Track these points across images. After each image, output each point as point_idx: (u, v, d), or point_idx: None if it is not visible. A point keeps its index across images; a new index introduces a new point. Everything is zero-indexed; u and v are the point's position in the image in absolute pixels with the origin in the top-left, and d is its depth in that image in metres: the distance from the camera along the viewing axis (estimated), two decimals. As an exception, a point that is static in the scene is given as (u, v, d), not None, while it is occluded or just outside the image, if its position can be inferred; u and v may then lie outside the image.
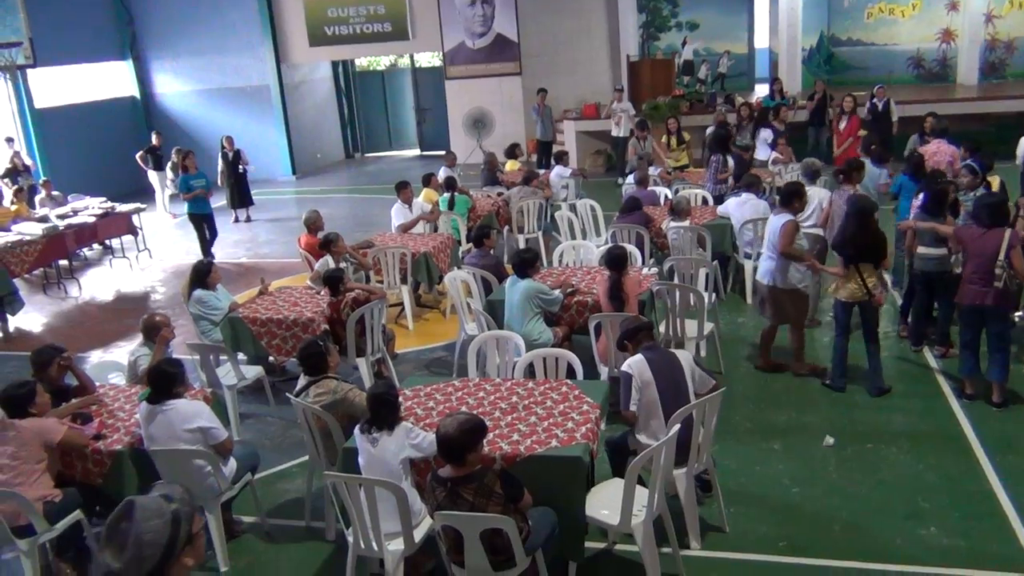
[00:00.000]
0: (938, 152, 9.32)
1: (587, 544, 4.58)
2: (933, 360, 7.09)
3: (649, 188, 10.27)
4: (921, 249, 6.80)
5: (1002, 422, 6.01)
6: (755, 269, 8.56)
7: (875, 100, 13.62)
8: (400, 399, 4.57)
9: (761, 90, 18.30)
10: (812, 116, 14.72)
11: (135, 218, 12.82)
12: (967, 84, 17.56)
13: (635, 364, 4.83)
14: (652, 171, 11.51)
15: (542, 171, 13.05)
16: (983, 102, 15.61)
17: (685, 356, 4.98)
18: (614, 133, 15.66)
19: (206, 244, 12.15)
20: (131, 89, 19.42)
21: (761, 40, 20.59)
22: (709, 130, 14.58)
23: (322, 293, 7.26)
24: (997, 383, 6.19)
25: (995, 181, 7.96)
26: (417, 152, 21.62)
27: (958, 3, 17.93)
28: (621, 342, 5.11)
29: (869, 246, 6.29)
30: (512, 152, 13.19)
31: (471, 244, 8.62)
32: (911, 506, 5.12)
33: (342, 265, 7.92)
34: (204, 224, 12.17)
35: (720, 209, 9.11)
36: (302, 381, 5.15)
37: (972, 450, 5.70)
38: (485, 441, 4.03)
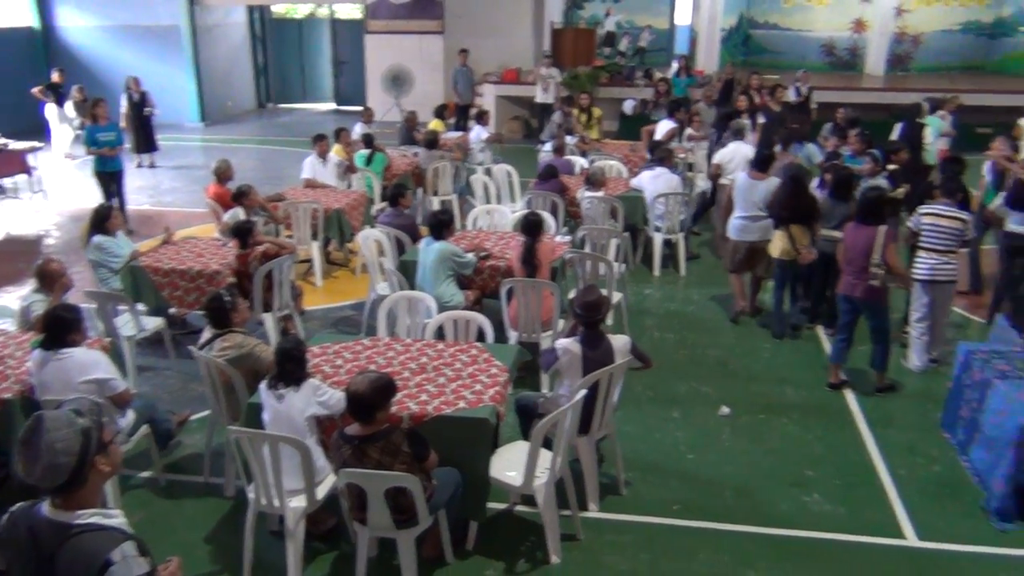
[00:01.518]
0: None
1: (488, 505, 4.65)
2: (825, 337, 7.41)
3: (565, 157, 10.34)
4: (823, 231, 7.07)
5: (884, 399, 6.33)
6: (663, 241, 8.82)
7: (798, 84, 13.97)
8: (308, 356, 4.51)
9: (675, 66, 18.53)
10: (719, 99, 14.85)
11: (30, 157, 12.18)
12: (874, 74, 18.23)
13: (567, 351, 4.72)
14: (569, 140, 11.58)
15: (458, 133, 12.94)
16: (889, 92, 16.22)
17: (622, 345, 4.85)
18: (539, 99, 15.64)
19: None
20: (29, 19, 18.34)
21: (683, 17, 20.83)
22: (627, 103, 14.82)
23: (230, 245, 7.07)
24: (876, 371, 6.42)
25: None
26: (332, 106, 21.18)
27: (871, -6, 18.53)
28: (574, 310, 4.90)
29: (800, 209, 7.01)
30: (440, 113, 12.94)
31: (385, 203, 8.52)
32: (798, 474, 5.38)
33: (253, 218, 7.73)
34: (112, 183, 10.59)
35: (634, 182, 9.26)
36: (207, 334, 5.03)
37: (856, 424, 6.01)
38: (394, 400, 4.03)
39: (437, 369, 4.90)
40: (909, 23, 19.04)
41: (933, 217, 6.52)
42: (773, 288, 7.49)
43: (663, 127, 11.33)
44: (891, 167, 8.27)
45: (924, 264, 6.53)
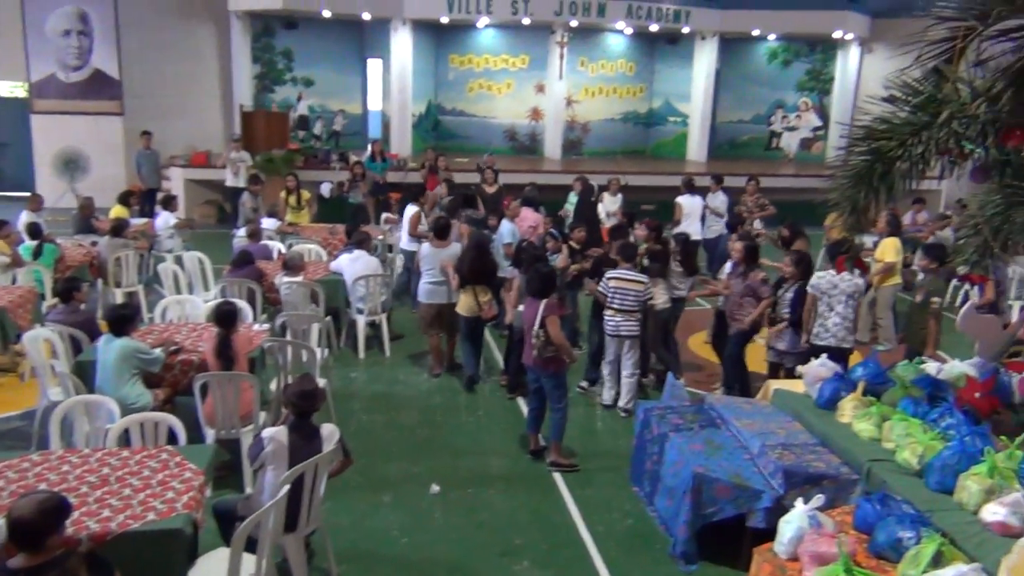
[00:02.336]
0: (525, 219, 10.37)
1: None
2: (526, 407, 7.77)
3: (262, 242, 10.07)
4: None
5: (581, 460, 6.73)
6: (366, 323, 8.83)
7: (484, 166, 14.77)
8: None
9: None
10: (423, 184, 15.39)
11: None
12: (552, 158, 19.86)
13: (273, 439, 4.52)
14: (269, 224, 11.32)
15: (143, 220, 12.14)
16: (565, 174, 17.70)
17: (330, 434, 4.73)
18: (229, 183, 15.15)
19: None
20: None
21: (375, 103, 21.41)
22: (324, 186, 14.84)
23: None
24: (553, 441, 6.60)
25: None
26: (-7, 192, 18.96)
27: (544, 86, 20.25)
28: (288, 399, 4.70)
29: (484, 271, 7.95)
30: (125, 199, 11.97)
31: (56, 299, 7.70)
32: (507, 544, 5.53)
33: None
34: None
35: (333, 265, 9.22)
36: None
37: (557, 487, 6.33)
38: (69, 521, 3.58)
39: (121, 480, 4.46)
40: (579, 112, 21.08)
41: (617, 281, 7.39)
42: (460, 342, 8.28)
43: (409, 211, 11.50)
44: (571, 244, 9.00)
45: (611, 321, 7.43)
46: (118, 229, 9.95)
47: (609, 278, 7.45)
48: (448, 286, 8.23)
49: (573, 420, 6.87)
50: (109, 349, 5.99)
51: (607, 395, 7.79)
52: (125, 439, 5.24)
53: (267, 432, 4.56)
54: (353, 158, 15.99)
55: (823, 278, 7.17)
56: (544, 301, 6.34)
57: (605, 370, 7.78)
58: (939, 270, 7.45)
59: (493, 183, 12.61)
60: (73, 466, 4.61)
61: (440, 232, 8.51)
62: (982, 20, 4.54)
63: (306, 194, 12.83)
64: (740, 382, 7.75)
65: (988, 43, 4.69)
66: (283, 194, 12.44)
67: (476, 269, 7.92)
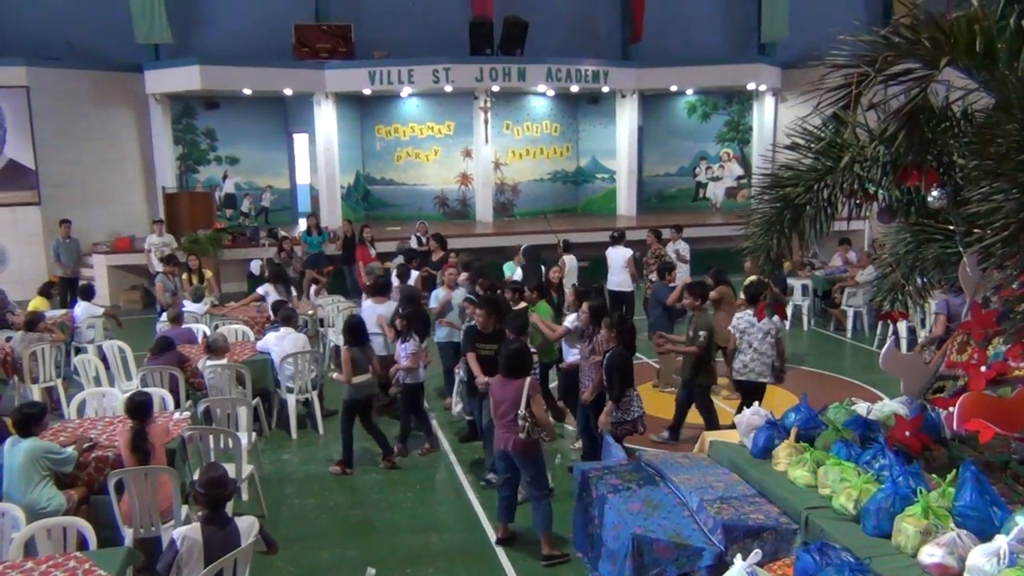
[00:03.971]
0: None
1: None
2: (463, 477, 7.57)
3: (185, 325, 9.78)
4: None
5: (521, 529, 6.55)
6: (297, 402, 8.58)
7: (418, 234, 14.77)
8: None
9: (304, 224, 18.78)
10: (343, 254, 15.32)
11: None
12: (484, 221, 19.91)
13: (186, 538, 4.30)
14: (198, 307, 11.01)
15: (60, 311, 11.73)
16: (497, 237, 17.78)
17: (248, 526, 4.54)
18: (156, 268, 14.80)
19: None
20: None
21: (303, 176, 21.31)
22: (253, 263, 14.66)
23: None
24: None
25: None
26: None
27: (472, 151, 20.42)
28: (195, 490, 4.53)
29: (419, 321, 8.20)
30: (46, 290, 11.60)
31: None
32: (448, 626, 5.31)
33: None
34: None
35: (259, 345, 8.98)
36: None
37: (498, 559, 6.14)
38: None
39: (23, 595, 4.16)
40: (507, 175, 21.26)
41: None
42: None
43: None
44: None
45: None
46: (32, 323, 9.58)
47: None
48: (384, 339, 8.68)
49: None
50: (15, 452, 5.66)
51: None
52: (33, 548, 4.92)
53: (177, 532, 4.32)
54: (282, 233, 15.83)
55: (741, 318, 7.69)
56: (527, 380, 6.00)
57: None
58: (703, 306, 8.08)
59: (439, 250, 12.63)
60: (-30, 584, 4.30)
61: (378, 289, 9.19)
62: (873, 66, 4.65)
63: (208, 273, 12.61)
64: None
65: (881, 87, 4.81)
66: (184, 276, 12.19)
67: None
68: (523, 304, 8.58)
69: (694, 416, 8.04)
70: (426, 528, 6.67)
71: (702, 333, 7.75)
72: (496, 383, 6.20)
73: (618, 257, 12.34)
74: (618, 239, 12.58)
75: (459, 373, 8.00)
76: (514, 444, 6.01)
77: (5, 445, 5.83)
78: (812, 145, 5.34)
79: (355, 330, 7.85)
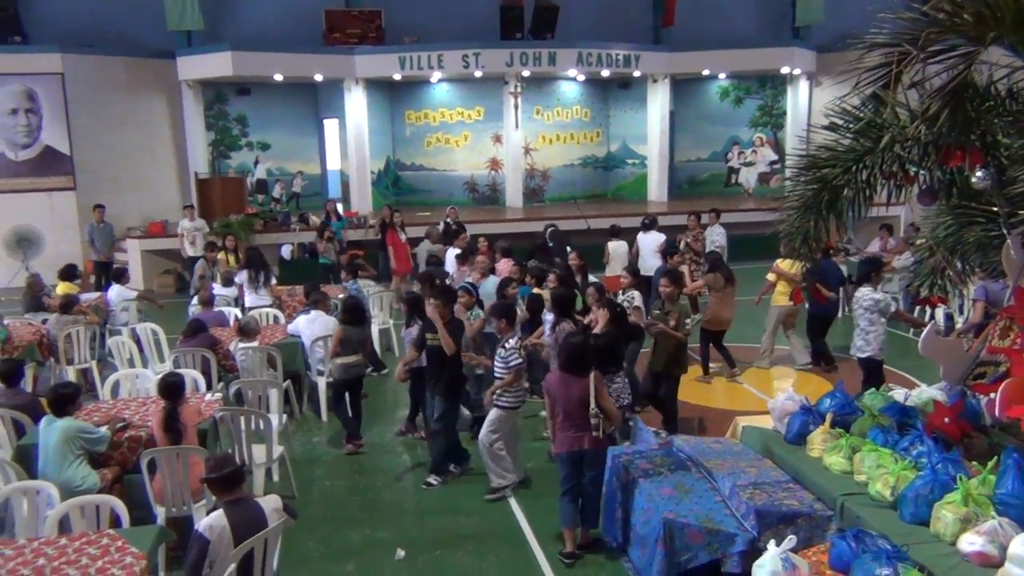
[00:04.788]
0: (505, 270, 10.29)
1: None
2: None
3: (217, 308, 9.85)
4: None
5: (551, 513, 6.48)
6: (328, 385, 8.60)
7: (448, 220, 14.73)
8: None
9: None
10: (382, 240, 15.26)
11: None
12: (514, 207, 19.84)
13: (215, 531, 4.25)
14: (225, 291, 11.07)
15: (95, 295, 11.88)
16: (526, 222, 17.70)
17: (273, 505, 4.54)
18: (188, 253, 14.97)
19: None
20: None
21: (333, 162, 21.37)
22: (284, 248, 14.74)
23: None
24: (583, 528, 5.96)
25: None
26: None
27: (501, 136, 20.34)
28: (207, 477, 4.52)
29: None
30: (67, 274, 11.76)
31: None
32: (477, 608, 5.30)
33: None
34: None
35: (290, 328, 9.03)
36: None
37: (527, 542, 6.12)
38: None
39: (57, 570, 4.21)
40: (537, 160, 21.14)
41: None
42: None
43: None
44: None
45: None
46: (67, 306, 9.69)
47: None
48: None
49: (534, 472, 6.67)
50: (50, 431, 5.73)
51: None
52: (67, 525, 4.98)
53: (203, 524, 4.27)
54: (313, 219, 15.87)
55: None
56: (592, 375, 5.66)
57: None
58: (678, 292, 7.99)
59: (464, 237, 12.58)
60: (6, 559, 4.35)
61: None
62: (914, 44, 4.52)
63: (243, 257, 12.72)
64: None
65: (921, 66, 4.68)
66: (222, 255, 12.34)
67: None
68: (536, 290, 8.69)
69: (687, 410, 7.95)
70: (455, 511, 6.65)
71: (688, 320, 7.63)
72: (554, 381, 5.79)
73: (650, 242, 12.28)
74: (650, 225, 12.58)
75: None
76: (590, 443, 5.66)
77: (40, 424, 5.90)
78: (851, 125, 5.23)
79: (352, 311, 7.90)
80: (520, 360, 6.86)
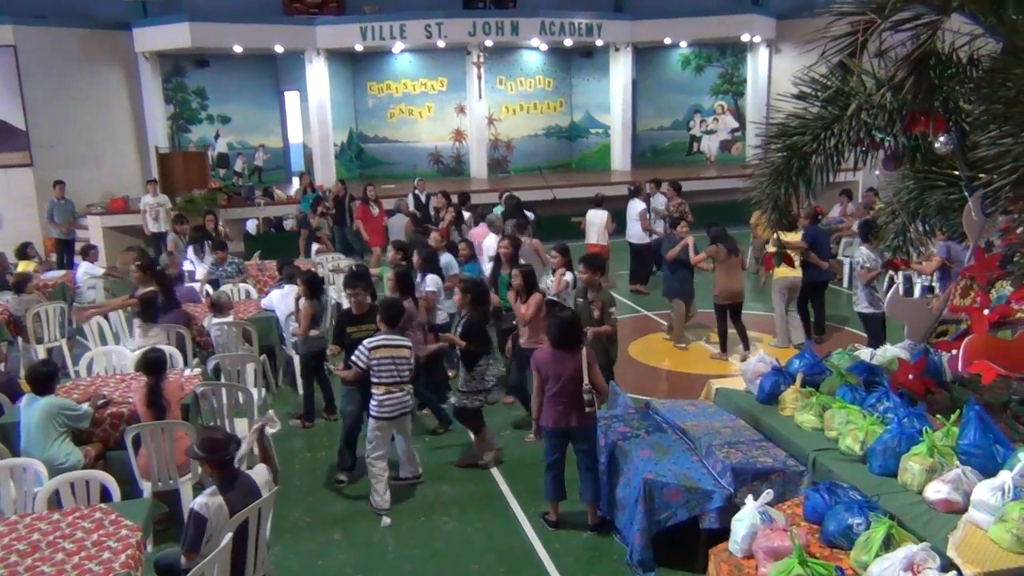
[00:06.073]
0: (480, 235, 10.39)
1: None
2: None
3: (187, 285, 9.82)
4: None
5: (532, 477, 6.65)
6: (301, 359, 8.62)
7: (416, 192, 14.68)
8: None
9: (298, 182, 18.71)
10: (336, 214, 15.17)
11: None
12: (479, 177, 19.84)
13: (212, 507, 4.25)
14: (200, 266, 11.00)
15: (61, 272, 11.75)
16: (492, 193, 17.68)
17: (264, 477, 4.63)
18: (151, 229, 14.81)
19: None
20: None
21: (295, 135, 21.16)
22: (250, 223, 14.61)
23: None
24: (590, 503, 5.88)
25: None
26: None
27: (465, 107, 20.28)
28: (195, 453, 4.53)
29: None
30: (24, 252, 11.66)
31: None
32: (465, 570, 5.44)
33: None
34: None
35: (264, 302, 9.04)
36: None
37: (511, 508, 6.27)
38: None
39: (53, 544, 4.26)
40: (501, 131, 21.13)
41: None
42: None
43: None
44: None
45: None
46: (20, 285, 9.57)
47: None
48: None
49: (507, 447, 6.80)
50: (32, 409, 5.73)
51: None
52: (56, 501, 5.01)
53: (198, 503, 4.29)
54: (278, 192, 15.74)
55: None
56: (583, 350, 5.66)
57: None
58: (597, 279, 7.29)
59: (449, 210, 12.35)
60: (0, 535, 4.38)
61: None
62: (879, 13, 4.67)
63: (225, 229, 12.64)
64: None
65: (887, 34, 4.83)
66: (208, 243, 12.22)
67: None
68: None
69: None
70: (437, 478, 6.78)
71: (612, 310, 7.19)
72: (546, 358, 5.71)
73: (633, 211, 12.59)
74: (635, 192, 12.82)
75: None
76: (578, 419, 5.63)
77: (21, 403, 5.90)
78: (819, 94, 5.38)
79: (313, 283, 7.79)
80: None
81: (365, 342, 6.15)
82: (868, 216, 8.58)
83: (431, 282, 8.20)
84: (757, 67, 21.04)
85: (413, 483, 6.61)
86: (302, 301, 7.80)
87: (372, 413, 6.16)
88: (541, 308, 7.16)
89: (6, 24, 16.18)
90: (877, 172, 5.80)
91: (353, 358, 6.16)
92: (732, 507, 4.83)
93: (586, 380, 5.55)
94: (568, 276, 8.12)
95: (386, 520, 6.06)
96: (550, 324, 5.86)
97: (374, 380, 6.10)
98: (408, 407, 6.31)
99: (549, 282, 8.47)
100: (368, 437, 6.24)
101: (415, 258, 8.52)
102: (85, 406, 5.98)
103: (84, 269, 10.92)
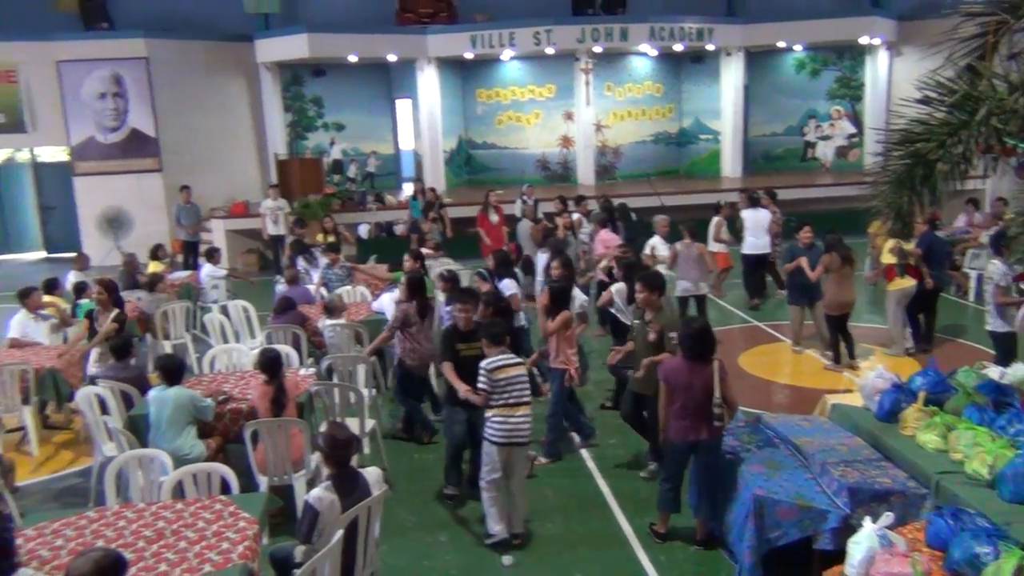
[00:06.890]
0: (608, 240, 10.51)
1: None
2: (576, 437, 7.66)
3: (304, 286, 10.15)
4: None
5: (635, 485, 6.59)
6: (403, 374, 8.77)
7: (524, 197, 14.80)
8: (17, 541, 3.93)
9: (409, 188, 19.10)
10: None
11: None
12: (586, 184, 19.82)
13: (324, 502, 4.38)
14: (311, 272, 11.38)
15: (187, 272, 12.35)
16: (600, 200, 17.63)
17: (376, 477, 4.74)
18: (270, 232, 15.39)
19: None
20: None
21: (406, 142, 21.65)
22: (361, 227, 14.99)
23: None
24: (705, 519, 5.73)
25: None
26: (42, 254, 19.43)
27: (573, 114, 20.30)
28: (322, 450, 4.65)
29: None
30: (155, 254, 12.31)
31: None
32: (567, 578, 5.43)
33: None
34: None
35: (374, 305, 9.24)
36: None
37: (614, 516, 6.22)
38: (126, 578, 3.58)
39: (177, 533, 4.46)
40: (609, 137, 21.06)
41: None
42: None
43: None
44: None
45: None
46: (152, 284, 10.14)
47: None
48: None
49: (612, 456, 6.76)
50: (164, 399, 6.03)
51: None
52: (179, 491, 5.26)
53: (312, 495, 4.44)
54: (390, 198, 16.08)
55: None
56: (716, 363, 5.49)
57: None
58: (658, 301, 6.59)
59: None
60: (129, 521, 4.63)
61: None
62: (1012, 13, 4.43)
63: (346, 232, 12.99)
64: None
65: (1020, 36, 4.58)
66: (320, 236, 12.63)
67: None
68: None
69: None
70: (541, 483, 6.79)
71: (672, 335, 6.23)
72: (675, 370, 5.54)
73: (759, 219, 12.07)
74: (757, 201, 12.36)
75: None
76: (708, 432, 5.46)
77: (150, 395, 6.21)
78: (945, 98, 5.13)
79: (414, 284, 7.84)
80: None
81: (483, 364, 5.77)
82: (999, 226, 8.11)
83: (509, 286, 8.27)
84: (876, 70, 20.30)
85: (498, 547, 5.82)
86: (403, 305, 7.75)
87: (484, 435, 5.83)
88: (569, 325, 6.96)
89: (139, 37, 17.18)
90: (993, 182, 5.50)
91: (480, 384, 5.76)
92: (848, 528, 4.65)
93: (717, 393, 5.39)
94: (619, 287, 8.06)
95: (506, 559, 5.72)
96: (684, 335, 5.61)
97: (491, 404, 5.77)
98: (523, 437, 5.78)
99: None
100: (483, 460, 5.86)
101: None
102: (209, 400, 6.26)
103: (207, 271, 11.45)
